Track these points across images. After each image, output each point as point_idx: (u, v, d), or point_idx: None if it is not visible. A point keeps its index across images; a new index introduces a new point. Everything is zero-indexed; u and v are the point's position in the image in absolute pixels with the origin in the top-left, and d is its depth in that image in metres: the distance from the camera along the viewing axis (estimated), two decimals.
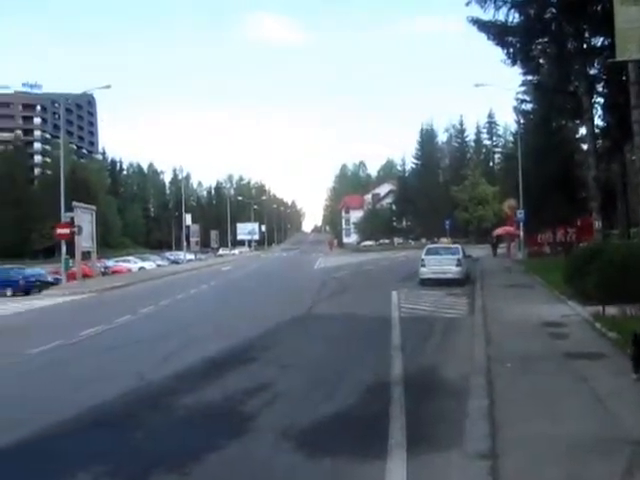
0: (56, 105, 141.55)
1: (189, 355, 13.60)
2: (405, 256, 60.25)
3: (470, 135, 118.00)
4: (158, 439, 8.09)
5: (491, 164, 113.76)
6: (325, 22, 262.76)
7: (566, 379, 9.47)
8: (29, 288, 37.78)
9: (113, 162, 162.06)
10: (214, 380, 11.06)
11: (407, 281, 30.01)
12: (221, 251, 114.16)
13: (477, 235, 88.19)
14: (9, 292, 36.85)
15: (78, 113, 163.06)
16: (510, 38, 28.21)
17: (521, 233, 47.05)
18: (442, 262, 28.12)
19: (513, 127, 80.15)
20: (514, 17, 27.56)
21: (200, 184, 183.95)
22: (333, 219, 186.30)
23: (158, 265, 67.36)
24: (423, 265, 28.42)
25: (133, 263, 63.50)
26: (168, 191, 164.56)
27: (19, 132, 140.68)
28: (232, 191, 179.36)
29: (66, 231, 40.27)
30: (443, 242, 59.41)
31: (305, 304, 22.35)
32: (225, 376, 11.40)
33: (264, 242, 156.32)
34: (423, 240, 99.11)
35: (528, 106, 47.44)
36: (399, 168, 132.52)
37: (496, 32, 27.90)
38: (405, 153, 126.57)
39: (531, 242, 48.71)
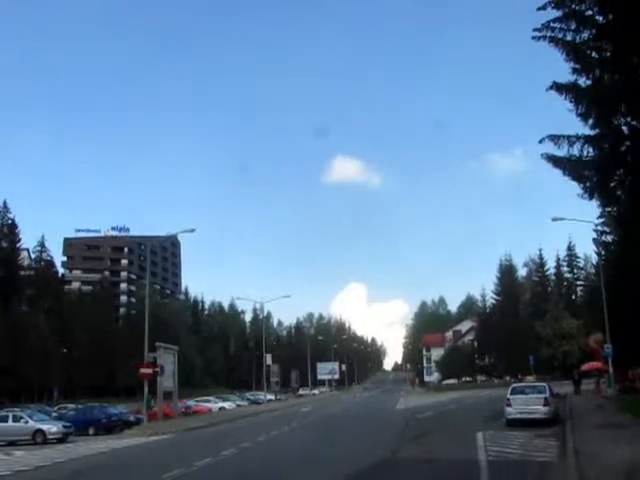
0: (142, 247, 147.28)
1: None
2: (489, 395, 58.44)
3: (550, 269, 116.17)
4: None
5: (574, 297, 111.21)
6: (403, 165, 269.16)
7: None
8: (111, 427, 38.16)
9: (195, 302, 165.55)
10: None
11: (492, 421, 28.94)
12: (301, 391, 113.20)
13: (563, 371, 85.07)
14: (91, 431, 37.31)
15: (163, 255, 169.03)
16: (586, 172, 28.20)
17: (610, 368, 45.14)
18: (528, 401, 27.11)
19: (594, 259, 78.74)
20: (588, 151, 27.64)
21: (280, 323, 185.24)
22: (414, 357, 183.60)
23: (238, 405, 67.18)
24: (509, 405, 27.43)
25: (213, 403, 63.53)
26: (248, 330, 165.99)
27: (107, 273, 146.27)
28: (312, 330, 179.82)
29: (149, 371, 40.77)
30: (528, 380, 57.57)
31: (389, 447, 21.70)
32: None
33: (344, 382, 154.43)
34: (507, 377, 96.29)
35: (608, 237, 46.75)
36: (479, 304, 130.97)
37: (571, 168, 27.92)
38: (485, 289, 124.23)
39: (621, 377, 46.52)
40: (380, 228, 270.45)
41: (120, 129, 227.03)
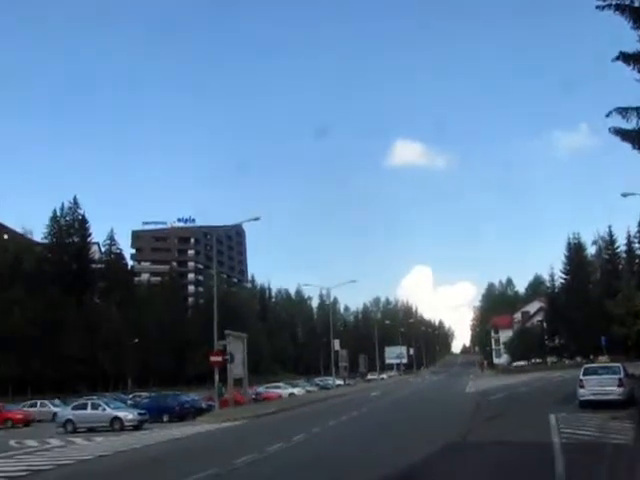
0: (208, 237, 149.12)
1: None
2: (560, 376, 57.52)
3: (621, 246, 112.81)
4: None
5: None
6: (465, 146, 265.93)
7: None
8: (184, 414, 38.88)
9: (262, 289, 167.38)
10: None
11: (565, 403, 28.49)
12: (369, 376, 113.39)
13: (637, 351, 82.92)
14: (166, 418, 38.05)
15: (228, 244, 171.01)
16: None
17: None
18: (602, 382, 26.54)
19: None
20: None
21: (347, 308, 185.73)
22: (482, 339, 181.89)
23: (307, 391, 67.69)
24: (581, 386, 26.91)
25: (283, 389, 64.12)
26: (315, 316, 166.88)
27: (175, 264, 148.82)
28: (379, 314, 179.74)
29: (219, 359, 41.31)
30: (601, 361, 56.39)
31: (459, 430, 21.61)
32: None
33: (412, 365, 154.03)
34: (578, 359, 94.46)
35: None
36: (548, 284, 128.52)
37: None
38: (553, 268, 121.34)
39: None
40: (444, 210, 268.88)
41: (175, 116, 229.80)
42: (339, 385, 78.76)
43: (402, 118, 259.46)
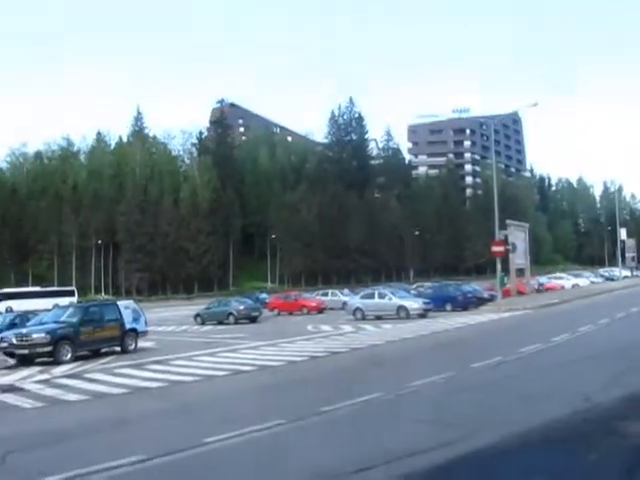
0: (484, 127, 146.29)
1: (637, 378, 12.88)
2: None
3: None
4: (612, 464, 7.74)
5: None
6: None
7: None
8: (467, 304, 39.34)
9: (541, 178, 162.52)
10: None
11: None
12: None
13: None
14: (448, 307, 38.79)
15: (505, 133, 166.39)
16: None
17: None
18: None
19: None
20: None
21: (633, 196, 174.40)
22: None
23: (592, 282, 65.28)
24: None
25: (566, 280, 62.47)
26: (599, 205, 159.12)
27: (451, 156, 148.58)
28: None
29: (501, 249, 41.04)
30: None
31: None
32: None
33: None
34: None
35: None
36: None
37: None
38: None
39: None
40: None
41: None
42: (626, 277, 74.86)
43: None
